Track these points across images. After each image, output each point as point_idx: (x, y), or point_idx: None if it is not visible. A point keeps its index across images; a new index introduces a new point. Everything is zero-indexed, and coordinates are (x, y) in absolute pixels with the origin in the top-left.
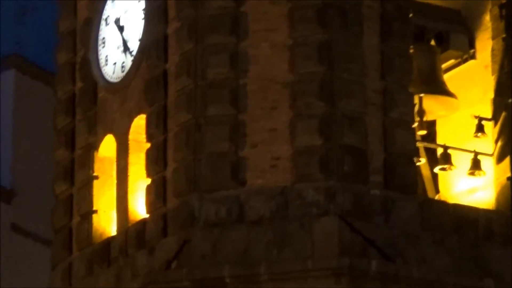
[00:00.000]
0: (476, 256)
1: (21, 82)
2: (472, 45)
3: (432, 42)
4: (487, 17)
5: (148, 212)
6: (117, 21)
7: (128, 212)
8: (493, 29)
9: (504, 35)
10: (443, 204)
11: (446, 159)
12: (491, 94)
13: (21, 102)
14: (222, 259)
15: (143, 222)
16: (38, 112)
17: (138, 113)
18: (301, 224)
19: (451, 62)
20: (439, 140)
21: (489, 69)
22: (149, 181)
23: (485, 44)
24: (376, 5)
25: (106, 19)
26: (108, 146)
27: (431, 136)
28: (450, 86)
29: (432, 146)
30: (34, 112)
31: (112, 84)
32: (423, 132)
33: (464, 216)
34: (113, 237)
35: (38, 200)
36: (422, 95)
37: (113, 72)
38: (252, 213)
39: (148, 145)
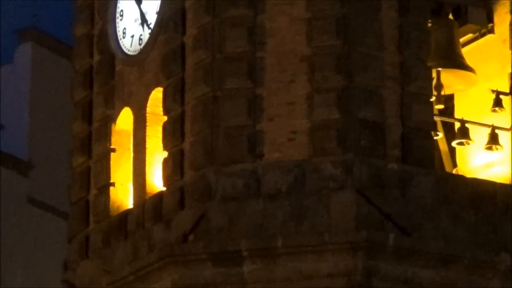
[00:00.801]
0: (492, 231)
1: (39, 54)
2: (490, 19)
3: (450, 16)
4: None
5: (165, 185)
6: None
7: (145, 185)
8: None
9: None
10: (460, 178)
11: (463, 133)
12: (508, 69)
13: (39, 75)
14: (239, 232)
15: (160, 195)
16: (55, 85)
17: (156, 86)
18: (318, 198)
19: (469, 36)
20: (457, 114)
21: (507, 43)
22: (166, 154)
23: (503, 18)
24: None
25: None
26: (125, 118)
27: (448, 110)
28: (468, 60)
29: (449, 120)
30: (52, 85)
31: (129, 57)
32: (441, 106)
33: (481, 191)
34: (130, 209)
35: (55, 173)
36: (440, 69)
37: (131, 45)
38: (269, 187)
39: (165, 118)
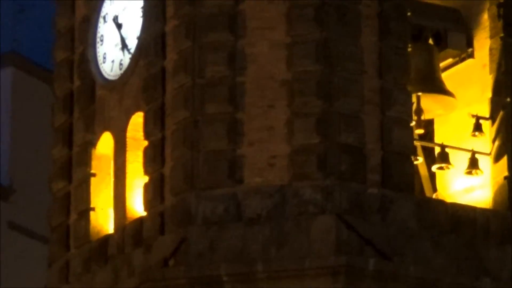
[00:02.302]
0: (473, 255)
1: (19, 79)
2: (470, 44)
3: (430, 41)
4: (485, 16)
5: (145, 210)
6: (115, 19)
7: (125, 210)
8: (491, 28)
9: (502, 34)
10: (441, 203)
11: (443, 158)
12: (488, 93)
13: (19, 99)
14: (219, 257)
15: (141, 220)
16: (36, 110)
17: (136, 110)
18: (298, 222)
19: (449, 61)
20: (437, 139)
21: (487, 68)
22: (146, 179)
23: (483, 43)
24: (374, 4)
25: (104, 17)
26: (105, 143)
27: (428, 135)
28: (448, 85)
29: (429, 145)
30: (32, 110)
31: (110, 82)
32: (421, 131)
33: (461, 215)
34: (110, 234)
35: (35, 198)
36: (419, 93)
37: (111, 70)
38: (249, 211)
39: (146, 142)
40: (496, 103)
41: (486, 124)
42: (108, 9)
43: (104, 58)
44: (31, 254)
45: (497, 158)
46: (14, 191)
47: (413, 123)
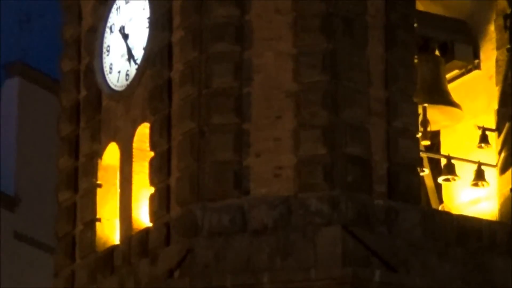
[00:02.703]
0: (479, 267)
1: (25, 89)
2: (476, 55)
3: (437, 52)
4: (492, 28)
5: (151, 220)
6: (121, 29)
7: (131, 221)
8: (498, 40)
9: (508, 46)
10: (447, 214)
11: (449, 169)
12: (495, 105)
13: (25, 109)
14: (225, 268)
15: (146, 230)
16: (42, 120)
17: (142, 121)
18: (304, 233)
19: (456, 72)
20: (443, 151)
21: (493, 79)
22: (152, 189)
23: (490, 55)
24: (380, 15)
25: (110, 27)
26: (111, 154)
27: (435, 146)
28: (454, 96)
29: (435, 156)
30: (38, 120)
31: (116, 92)
32: (427, 143)
33: (467, 227)
34: (116, 245)
35: (41, 208)
36: (426, 105)
37: (117, 80)
38: (255, 222)
39: (152, 153)
40: (503, 115)
41: (492, 136)
42: (114, 20)
43: (111, 68)
44: (36, 264)
45: (503, 170)
46: (20, 201)
47: (419, 134)
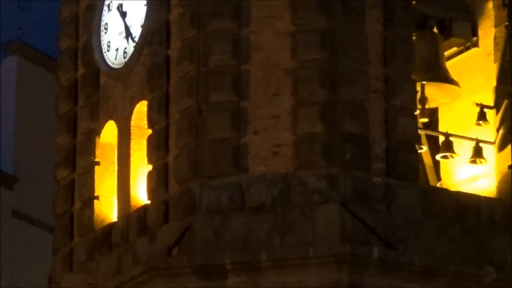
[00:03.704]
0: (477, 244)
1: (24, 68)
2: (474, 32)
3: (435, 30)
4: (490, 5)
5: (149, 198)
6: (119, 7)
7: (129, 198)
8: (496, 17)
9: (506, 23)
10: (445, 191)
11: (448, 146)
12: (493, 82)
13: (24, 88)
14: (224, 246)
15: (145, 208)
16: (40, 98)
17: (140, 99)
18: (303, 211)
19: (454, 49)
20: (441, 128)
21: (492, 57)
22: (150, 167)
23: (488, 32)
24: None
25: (108, 5)
26: (109, 132)
27: (433, 123)
28: (453, 74)
29: (434, 133)
30: (36, 98)
31: (114, 70)
32: (425, 120)
33: (465, 204)
34: (114, 223)
35: (40, 187)
36: (424, 82)
37: (115, 58)
38: (254, 200)
39: (150, 131)
40: (501, 92)
41: (490, 113)
42: None
43: (109, 46)
44: (35, 242)
45: (501, 147)
46: (18, 180)
47: (417, 112)
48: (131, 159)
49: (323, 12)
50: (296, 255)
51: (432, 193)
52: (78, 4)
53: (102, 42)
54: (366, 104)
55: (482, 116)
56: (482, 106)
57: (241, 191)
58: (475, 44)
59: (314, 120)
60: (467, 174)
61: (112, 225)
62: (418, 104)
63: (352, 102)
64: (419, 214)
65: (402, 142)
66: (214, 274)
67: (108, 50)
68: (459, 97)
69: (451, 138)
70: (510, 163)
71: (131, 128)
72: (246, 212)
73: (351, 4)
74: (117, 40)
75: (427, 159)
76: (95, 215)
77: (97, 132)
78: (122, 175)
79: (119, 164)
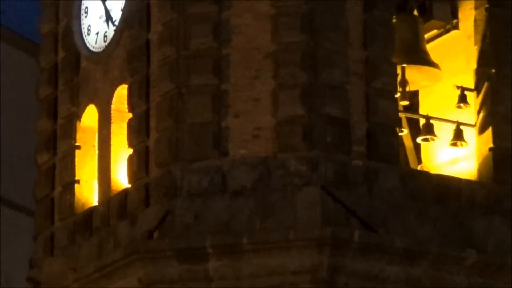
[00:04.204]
0: (458, 226)
1: (5, 52)
2: (455, 15)
3: (415, 12)
4: None
5: (130, 182)
6: None
7: (110, 182)
8: None
9: (487, 5)
10: (426, 174)
11: (428, 129)
12: (473, 64)
13: (5, 72)
14: (205, 229)
15: (125, 192)
16: (22, 83)
17: (121, 82)
18: (284, 194)
19: (434, 32)
20: (422, 111)
21: (472, 39)
22: (131, 151)
23: (468, 14)
24: None
25: None
26: (90, 116)
27: (413, 106)
28: (433, 56)
29: (414, 116)
30: (18, 83)
31: (94, 54)
32: (406, 103)
33: (446, 187)
34: (95, 207)
35: (21, 171)
36: (404, 65)
37: (96, 42)
38: (235, 183)
39: (130, 115)
40: (481, 74)
41: (471, 95)
42: None
43: (89, 30)
44: (16, 226)
45: (482, 130)
46: (0, 164)
47: (398, 95)
48: (112, 143)
49: None
50: (277, 238)
51: (413, 176)
52: None
53: (83, 26)
54: (347, 87)
55: (462, 99)
56: (463, 89)
57: (222, 174)
58: (455, 27)
59: (294, 103)
60: (448, 157)
61: (93, 209)
62: (398, 86)
63: (333, 85)
64: (400, 197)
65: (382, 125)
66: (195, 257)
67: (88, 34)
68: (440, 80)
69: (431, 121)
70: (491, 145)
71: (112, 112)
72: (227, 196)
73: None
74: (97, 24)
75: (407, 142)
76: (75, 199)
77: (77, 116)
78: (102, 159)
79: (99, 148)
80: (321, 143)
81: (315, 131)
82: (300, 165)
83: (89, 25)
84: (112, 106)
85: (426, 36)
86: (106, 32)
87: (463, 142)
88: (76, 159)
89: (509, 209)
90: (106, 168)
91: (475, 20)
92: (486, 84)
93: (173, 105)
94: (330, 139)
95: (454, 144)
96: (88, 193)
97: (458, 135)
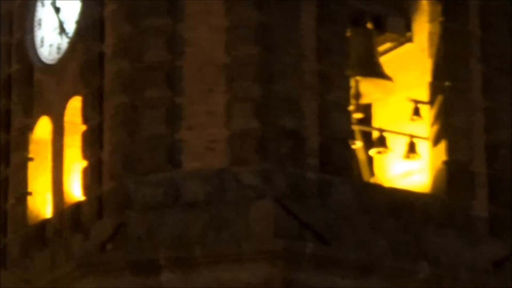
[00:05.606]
0: (412, 240)
1: None
2: (409, 28)
3: (369, 25)
4: (424, 1)
5: (83, 194)
6: (53, 3)
7: (63, 194)
8: (430, 12)
9: (441, 19)
10: (379, 187)
11: (381, 142)
12: (427, 78)
13: None
14: (158, 241)
15: (79, 204)
16: None
17: (74, 94)
18: (237, 207)
19: (388, 45)
20: (375, 123)
21: (426, 52)
22: (85, 163)
23: (423, 27)
24: None
25: (42, 1)
26: (43, 128)
27: (367, 119)
28: (387, 69)
29: (368, 129)
30: None
31: (48, 66)
32: (359, 115)
33: (400, 200)
34: (48, 219)
35: None
36: (358, 78)
37: (49, 54)
38: (188, 196)
39: (84, 127)
40: (435, 88)
41: (424, 109)
42: None
43: (42, 42)
44: None
45: (435, 143)
46: None
47: (351, 107)
48: (65, 155)
49: (258, 7)
50: (230, 251)
51: (367, 189)
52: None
53: (36, 38)
54: (301, 100)
55: (416, 112)
56: (416, 102)
57: (176, 187)
58: (409, 40)
59: (248, 116)
60: (402, 170)
61: (45, 221)
62: (352, 99)
63: (287, 98)
64: (353, 209)
65: (336, 138)
66: (147, 270)
67: (42, 46)
68: (393, 93)
69: (385, 134)
70: (444, 158)
71: (65, 124)
72: (181, 208)
73: None
74: (51, 36)
75: (361, 155)
76: (28, 211)
77: (30, 128)
78: (56, 171)
79: (53, 160)
80: (275, 155)
81: (268, 144)
82: (253, 178)
83: (43, 37)
84: (66, 118)
85: (380, 49)
86: (59, 44)
87: (416, 155)
88: (29, 171)
89: (463, 222)
90: (59, 180)
91: (430, 34)
92: (440, 97)
93: (127, 118)
94: (284, 151)
95: (407, 157)
96: (41, 205)
97: (411, 148)
